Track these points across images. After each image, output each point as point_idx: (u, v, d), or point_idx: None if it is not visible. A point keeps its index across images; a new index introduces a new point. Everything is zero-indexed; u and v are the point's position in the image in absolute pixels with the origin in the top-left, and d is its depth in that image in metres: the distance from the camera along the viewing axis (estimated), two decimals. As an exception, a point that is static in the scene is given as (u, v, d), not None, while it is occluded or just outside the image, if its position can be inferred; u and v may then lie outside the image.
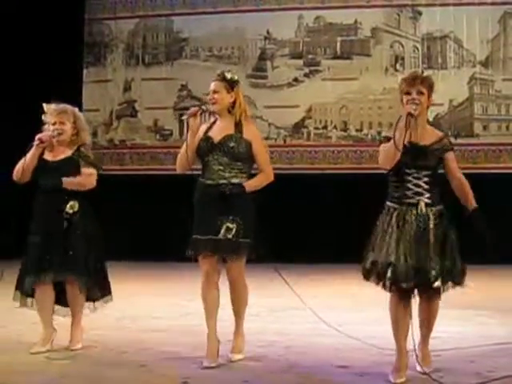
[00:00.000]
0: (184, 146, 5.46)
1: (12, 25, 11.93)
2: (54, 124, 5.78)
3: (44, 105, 5.85)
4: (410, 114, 4.82)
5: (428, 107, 5.02)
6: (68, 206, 5.67)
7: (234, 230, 5.27)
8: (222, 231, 5.27)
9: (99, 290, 5.85)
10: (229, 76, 5.44)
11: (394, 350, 5.02)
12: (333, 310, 7.46)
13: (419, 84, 4.93)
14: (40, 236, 5.73)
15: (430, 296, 4.99)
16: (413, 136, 4.88)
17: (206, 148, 5.40)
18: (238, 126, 5.42)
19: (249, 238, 5.32)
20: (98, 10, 13.06)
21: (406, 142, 4.84)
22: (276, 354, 5.65)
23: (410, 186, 4.93)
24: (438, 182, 5.00)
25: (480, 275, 9.20)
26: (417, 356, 5.01)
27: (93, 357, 5.60)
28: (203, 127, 5.51)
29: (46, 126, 5.84)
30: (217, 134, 5.41)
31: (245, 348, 5.55)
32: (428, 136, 4.98)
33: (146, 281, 10.00)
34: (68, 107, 5.90)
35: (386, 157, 4.90)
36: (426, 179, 4.94)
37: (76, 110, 5.95)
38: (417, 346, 5.05)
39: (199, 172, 5.47)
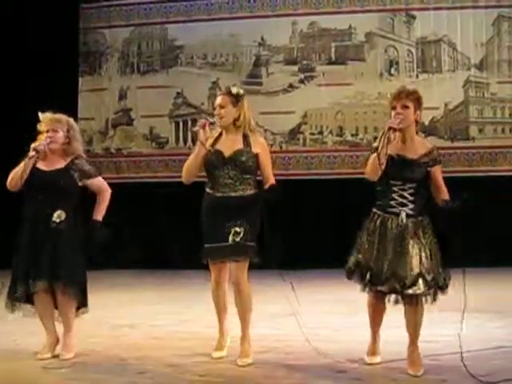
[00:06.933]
0: (192, 156, 5.63)
1: (7, 34, 11.92)
2: (47, 132, 5.81)
3: (39, 114, 5.89)
4: (390, 129, 4.90)
5: (417, 121, 5.09)
6: (55, 215, 5.69)
7: (242, 233, 5.47)
8: (231, 236, 5.47)
9: (82, 299, 5.82)
10: (234, 91, 5.69)
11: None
12: (331, 314, 7.48)
13: (404, 98, 5.04)
14: (28, 244, 5.70)
15: (410, 303, 5.12)
16: (400, 148, 4.99)
17: (216, 162, 5.57)
18: (246, 138, 5.63)
19: (254, 242, 5.54)
20: (93, 19, 13.04)
21: (393, 155, 4.99)
22: (276, 360, 5.66)
23: (394, 196, 5.07)
24: (424, 194, 5.08)
25: (477, 277, 9.21)
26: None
27: (91, 365, 5.59)
28: (209, 140, 5.69)
29: (42, 137, 5.85)
30: (227, 149, 5.60)
31: (252, 352, 5.61)
32: (416, 148, 5.07)
33: (143, 288, 9.99)
34: (62, 116, 5.92)
35: (371, 170, 5.02)
36: (410, 191, 5.06)
37: (71, 120, 5.97)
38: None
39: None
